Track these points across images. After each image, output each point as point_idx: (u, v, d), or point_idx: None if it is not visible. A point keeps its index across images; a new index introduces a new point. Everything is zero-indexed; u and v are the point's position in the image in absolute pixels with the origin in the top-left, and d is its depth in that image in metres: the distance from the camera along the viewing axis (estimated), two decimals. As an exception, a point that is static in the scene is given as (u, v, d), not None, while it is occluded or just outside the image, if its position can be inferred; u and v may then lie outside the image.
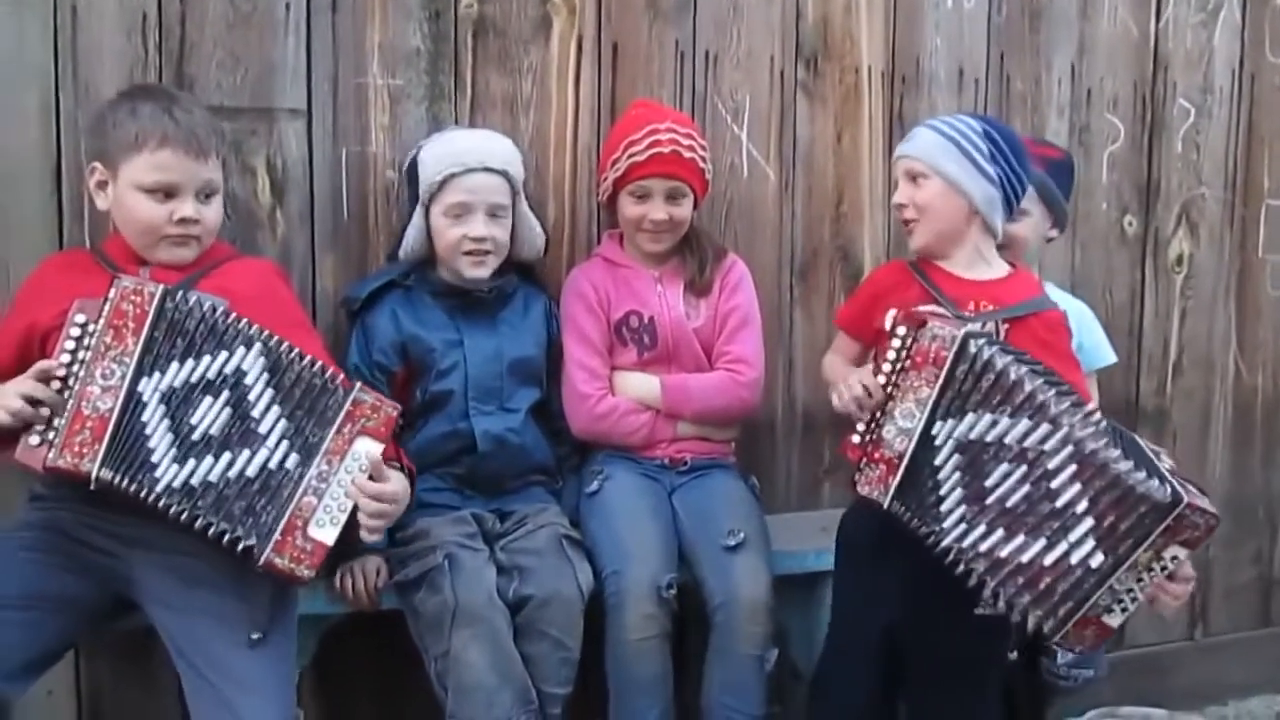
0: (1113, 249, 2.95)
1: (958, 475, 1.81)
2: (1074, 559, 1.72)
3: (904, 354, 1.87)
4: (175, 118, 1.84)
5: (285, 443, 1.75)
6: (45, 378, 1.71)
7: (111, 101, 1.94)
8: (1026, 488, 1.76)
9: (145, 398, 1.73)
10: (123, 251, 1.90)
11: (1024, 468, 1.76)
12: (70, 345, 1.72)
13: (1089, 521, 1.71)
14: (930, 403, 1.83)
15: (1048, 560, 1.74)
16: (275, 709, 1.75)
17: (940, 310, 1.95)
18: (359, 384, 1.80)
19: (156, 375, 1.74)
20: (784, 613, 2.22)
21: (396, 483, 1.80)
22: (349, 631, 2.17)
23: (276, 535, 1.73)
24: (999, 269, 2.06)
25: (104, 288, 1.77)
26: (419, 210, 2.21)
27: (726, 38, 2.56)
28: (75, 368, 1.72)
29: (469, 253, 2.19)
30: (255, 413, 1.75)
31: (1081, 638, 1.76)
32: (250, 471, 1.74)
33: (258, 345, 1.76)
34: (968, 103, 2.75)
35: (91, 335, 1.72)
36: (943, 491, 1.82)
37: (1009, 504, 1.77)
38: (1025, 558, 1.75)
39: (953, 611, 1.87)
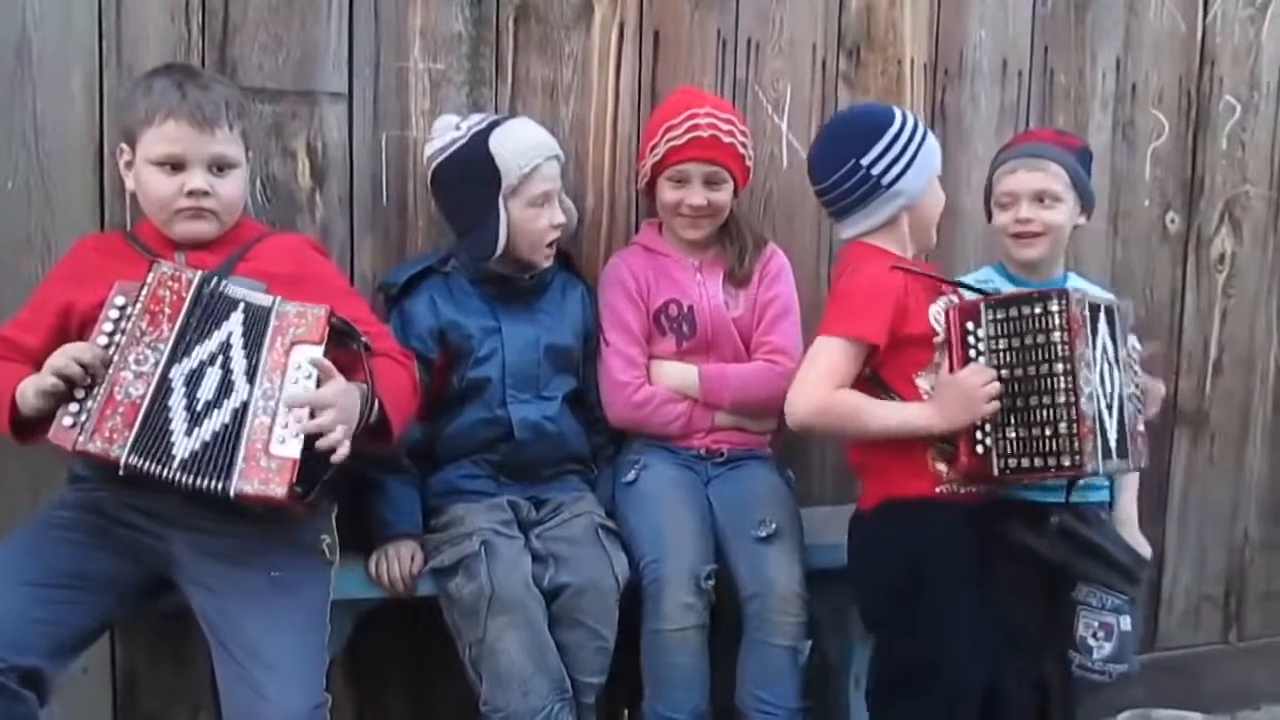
0: (1154, 246, 2.92)
1: (1104, 401, 1.97)
2: (1125, 393, 2.04)
3: (1043, 334, 1.92)
4: (183, 92, 1.85)
5: (243, 378, 1.76)
6: (82, 357, 1.70)
7: (134, 82, 1.96)
8: (1115, 371, 2.02)
9: (174, 383, 1.73)
10: (154, 235, 1.92)
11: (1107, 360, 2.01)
12: (109, 328, 1.72)
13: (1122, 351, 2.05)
14: (1094, 359, 1.95)
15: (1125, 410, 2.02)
16: (303, 691, 1.74)
17: (977, 293, 2.04)
18: (279, 298, 1.79)
19: (185, 360, 1.74)
20: (818, 606, 2.20)
21: (328, 389, 1.75)
22: (383, 617, 2.17)
23: (240, 464, 1.71)
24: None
25: (141, 271, 1.77)
26: (500, 203, 2.15)
27: (768, 26, 2.54)
28: (111, 351, 1.72)
29: (551, 241, 2.21)
30: (233, 366, 1.76)
31: (1138, 453, 2.04)
32: (226, 419, 1.73)
33: (241, 304, 1.77)
34: (1010, 95, 2.73)
35: (128, 319, 1.72)
36: (1108, 426, 1.97)
37: (1114, 390, 2.02)
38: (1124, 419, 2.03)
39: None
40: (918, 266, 2.08)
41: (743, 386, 2.29)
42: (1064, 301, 1.91)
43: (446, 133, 2.18)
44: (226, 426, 1.73)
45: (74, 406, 1.69)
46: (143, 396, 1.70)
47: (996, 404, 1.93)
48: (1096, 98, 2.81)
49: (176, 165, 1.86)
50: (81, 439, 1.67)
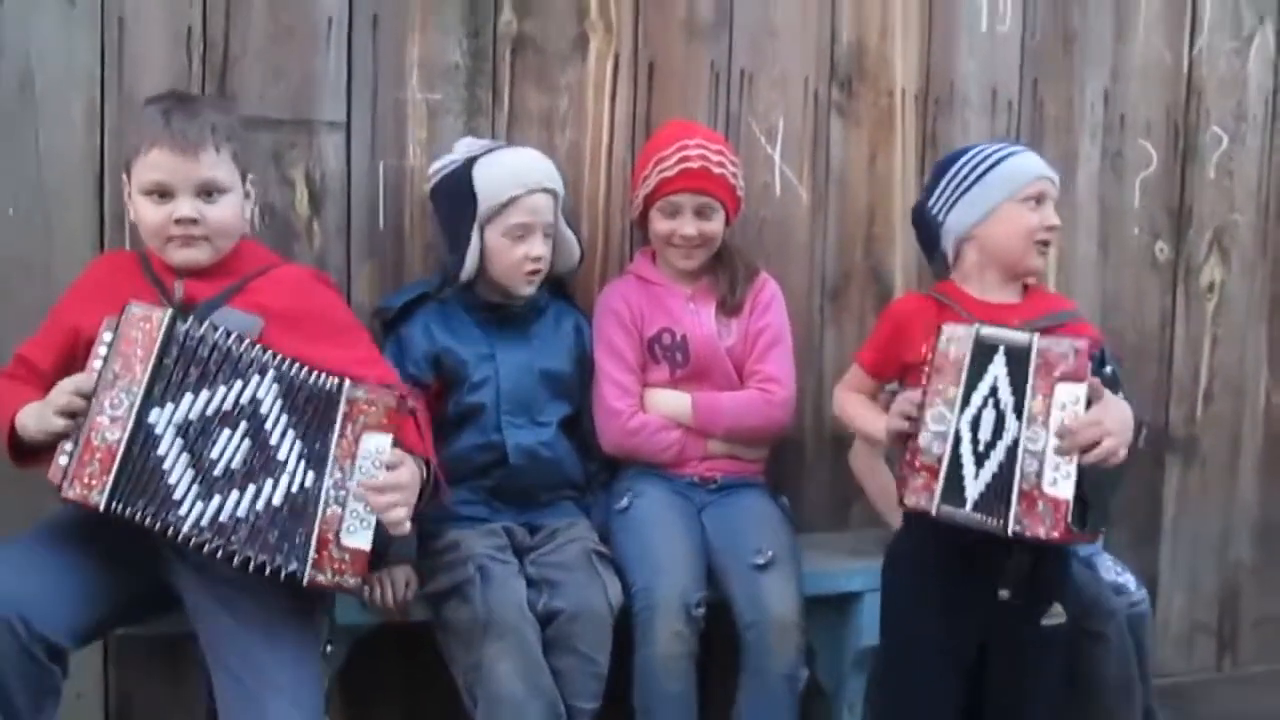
0: (1144, 275, 2.94)
1: (971, 448, 1.89)
2: (1009, 442, 1.86)
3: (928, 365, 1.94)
4: (167, 119, 1.83)
5: (302, 462, 1.74)
6: (82, 389, 1.69)
7: (136, 112, 1.98)
8: (994, 414, 1.89)
9: (159, 430, 1.70)
10: (160, 260, 1.91)
11: (991, 400, 1.90)
12: (98, 364, 1.70)
13: (1012, 400, 1.87)
14: (959, 399, 1.89)
15: (1003, 458, 1.86)
16: (304, 715, 1.75)
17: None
18: (349, 381, 1.76)
19: (170, 406, 1.70)
20: (813, 633, 2.21)
21: (403, 471, 1.76)
22: (377, 642, 2.18)
23: (312, 554, 1.71)
24: (1015, 293, 2.14)
25: (144, 294, 1.78)
26: (475, 230, 2.19)
27: (762, 58, 2.57)
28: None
29: (529, 272, 2.20)
30: (273, 440, 1.73)
31: (1037, 518, 1.80)
32: (277, 500, 1.72)
33: (271, 371, 1.74)
34: (1000, 126, 2.76)
35: (105, 361, 1.70)
36: (964, 472, 1.89)
37: (987, 439, 1.88)
38: (995, 469, 1.87)
39: (1030, 635, 2.00)
40: (949, 298, 2.10)
41: (736, 414, 2.31)
42: (937, 337, 1.93)
43: (453, 154, 2.23)
44: (276, 507, 1.71)
45: (69, 445, 1.68)
46: (118, 441, 1.67)
47: (897, 427, 1.96)
48: (1085, 128, 2.84)
49: (164, 193, 1.84)
50: (64, 486, 1.66)
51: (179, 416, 1.71)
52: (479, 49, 2.36)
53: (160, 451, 1.70)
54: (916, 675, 2.00)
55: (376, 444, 1.74)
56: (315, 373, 1.76)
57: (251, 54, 2.20)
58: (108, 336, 1.71)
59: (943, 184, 2.15)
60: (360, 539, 1.73)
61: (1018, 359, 1.88)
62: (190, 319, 1.74)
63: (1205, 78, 2.95)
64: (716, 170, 2.28)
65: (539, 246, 2.20)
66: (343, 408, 1.74)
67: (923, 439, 1.90)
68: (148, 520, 1.68)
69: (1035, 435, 1.83)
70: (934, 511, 1.89)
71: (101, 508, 1.66)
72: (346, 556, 1.72)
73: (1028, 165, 2.12)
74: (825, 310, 2.66)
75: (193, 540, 1.70)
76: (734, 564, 2.18)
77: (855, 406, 2.21)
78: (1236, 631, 3.12)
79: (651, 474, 2.32)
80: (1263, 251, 3.05)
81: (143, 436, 1.69)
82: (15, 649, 1.63)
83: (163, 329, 1.71)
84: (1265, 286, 3.07)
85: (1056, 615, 2.12)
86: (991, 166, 2.10)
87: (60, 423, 1.68)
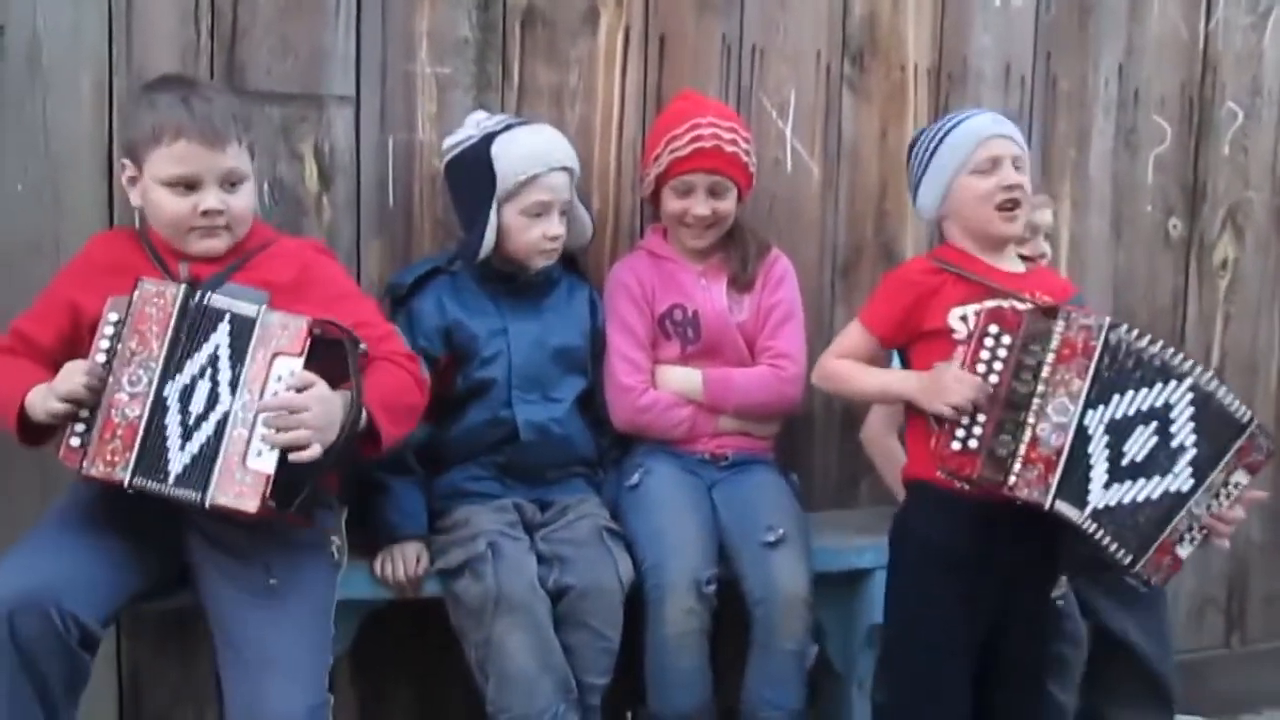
0: (1156, 252, 2.92)
1: (1106, 454, 1.87)
2: (1171, 489, 1.86)
3: (1039, 351, 1.86)
4: (190, 108, 1.81)
5: (227, 389, 1.73)
6: (87, 379, 1.70)
7: (135, 95, 1.95)
8: (1154, 440, 1.87)
9: (169, 401, 1.72)
10: (163, 241, 1.89)
11: (1154, 423, 1.87)
12: (105, 344, 1.72)
13: (1191, 452, 1.86)
14: (1084, 393, 1.85)
15: (1155, 494, 1.86)
16: (304, 692, 1.75)
17: (1027, 303, 1.94)
18: (264, 306, 1.74)
19: (178, 377, 1.73)
20: (822, 610, 2.21)
21: (309, 395, 1.71)
22: (389, 618, 2.18)
23: (215, 475, 1.69)
24: (1016, 261, 2.10)
25: (148, 273, 1.78)
26: (493, 208, 2.17)
27: (773, 32, 2.55)
28: (108, 368, 1.72)
29: (546, 250, 2.20)
30: (220, 378, 1.74)
31: (1158, 566, 1.88)
32: (210, 431, 1.72)
33: (228, 315, 1.74)
34: (1014, 101, 2.74)
35: (119, 339, 1.72)
36: (1092, 474, 1.87)
37: (1138, 460, 1.87)
38: (1140, 498, 1.87)
39: (1043, 607, 1.99)
40: (963, 269, 2.03)
41: (747, 391, 2.30)
42: (1065, 322, 1.86)
43: (467, 129, 2.21)
44: (209, 439, 1.72)
45: (80, 426, 1.70)
46: (139, 417, 1.70)
47: (960, 401, 1.86)
48: (1099, 103, 2.82)
49: (190, 185, 1.83)
50: (86, 465, 1.69)
51: (180, 384, 1.73)
52: (489, 22, 2.34)
53: (166, 420, 1.72)
54: (922, 654, 1.99)
55: (290, 368, 1.72)
56: (241, 304, 1.75)
57: (260, 27, 2.18)
58: (113, 317, 1.72)
59: (909, 169, 2.14)
60: (264, 462, 1.70)
61: (1226, 425, 1.86)
62: (202, 293, 1.75)
63: (1221, 53, 2.92)
64: (729, 148, 2.26)
65: (556, 225, 2.19)
66: (258, 332, 1.73)
67: (1041, 430, 1.85)
68: (158, 487, 1.70)
69: (1201, 501, 1.87)
70: (1047, 506, 1.84)
71: (126, 484, 1.69)
72: (248, 479, 1.69)
73: (973, 130, 2.03)
74: (836, 286, 2.65)
75: (170, 495, 1.70)
76: (744, 541, 2.19)
77: (867, 372, 2.09)
78: (1245, 608, 3.12)
79: (662, 451, 2.32)
80: (1277, 229, 3.03)
81: (160, 411, 1.71)
82: (53, 637, 1.64)
83: (177, 304, 1.72)
84: (1279, 264, 3.05)
85: (1061, 586, 2.13)
86: (940, 141, 2.04)
87: (60, 407, 1.69)
